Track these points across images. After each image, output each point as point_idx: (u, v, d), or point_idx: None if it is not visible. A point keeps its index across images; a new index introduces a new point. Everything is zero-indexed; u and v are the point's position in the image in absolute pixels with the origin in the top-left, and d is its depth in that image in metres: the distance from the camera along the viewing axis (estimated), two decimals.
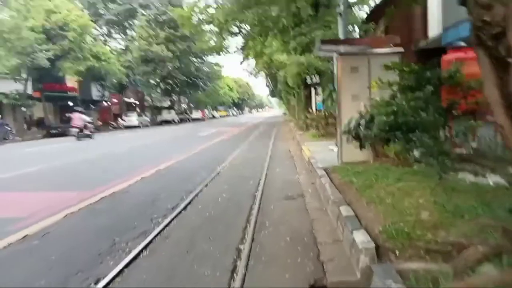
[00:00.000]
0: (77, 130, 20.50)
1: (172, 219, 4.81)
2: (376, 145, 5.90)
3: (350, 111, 6.71)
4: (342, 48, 6.92)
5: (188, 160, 10.43)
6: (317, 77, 15.26)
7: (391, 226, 3.38)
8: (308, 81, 15.50)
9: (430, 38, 11.82)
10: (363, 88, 6.74)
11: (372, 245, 3.00)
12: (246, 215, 4.86)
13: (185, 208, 5.36)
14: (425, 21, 12.59)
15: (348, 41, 8.44)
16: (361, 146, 6.33)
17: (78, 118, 20.85)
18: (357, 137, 5.85)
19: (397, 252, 3.04)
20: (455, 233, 3.07)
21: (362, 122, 5.65)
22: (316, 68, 14.06)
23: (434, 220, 3.31)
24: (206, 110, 67.52)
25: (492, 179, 4.08)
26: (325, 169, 6.62)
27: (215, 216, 4.91)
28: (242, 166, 9.05)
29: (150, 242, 4.03)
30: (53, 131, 26.28)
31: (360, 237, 3.17)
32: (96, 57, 29.12)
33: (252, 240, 3.95)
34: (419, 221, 3.36)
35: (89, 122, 21.63)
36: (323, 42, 7.94)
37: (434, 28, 11.58)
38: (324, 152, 9.28)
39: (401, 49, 6.71)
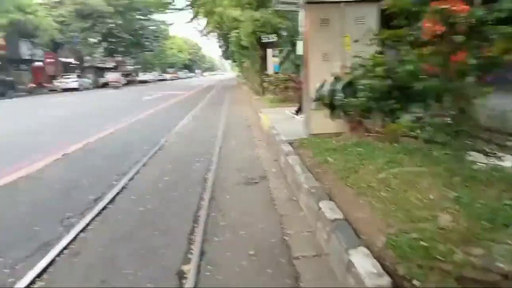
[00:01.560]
0: None
1: (91, 220, 3.50)
2: (353, 115, 4.86)
3: (320, 73, 5.57)
4: None
5: (127, 131, 8.88)
6: (274, 37, 13.90)
7: (399, 236, 2.36)
8: (265, 40, 14.09)
9: None
10: (336, 45, 5.60)
11: (386, 281, 1.95)
12: (194, 211, 3.66)
13: (112, 200, 4.04)
14: None
15: None
16: (334, 116, 5.28)
17: None
18: (331, 105, 4.76)
19: (417, 284, 2.03)
20: (499, 251, 2.11)
21: (338, 87, 4.54)
22: (273, 25, 12.68)
23: (461, 229, 2.32)
24: (155, 72, 63.71)
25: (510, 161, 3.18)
26: (291, 143, 5.54)
27: (151, 214, 3.66)
28: (191, 138, 7.73)
29: (51, 263, 2.74)
30: None
31: (363, 263, 2.11)
32: (21, 9, 25.27)
33: (201, 255, 2.78)
34: (440, 229, 2.36)
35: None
36: None
37: None
38: (285, 120, 8.19)
39: None
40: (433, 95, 2.77)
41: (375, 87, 3.49)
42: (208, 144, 6.96)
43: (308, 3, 5.42)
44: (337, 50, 5.60)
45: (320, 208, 2.97)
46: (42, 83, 34.19)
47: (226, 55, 48.22)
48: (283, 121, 7.99)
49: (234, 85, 35.30)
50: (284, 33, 15.30)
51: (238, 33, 21.39)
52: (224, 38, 37.82)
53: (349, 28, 5.54)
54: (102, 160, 5.91)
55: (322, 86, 4.95)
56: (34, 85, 31.29)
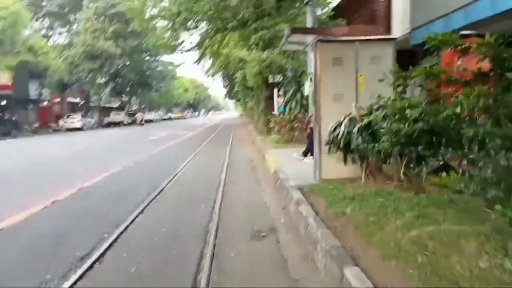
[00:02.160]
0: None
1: (74, 285, 2.99)
2: (371, 160, 4.44)
3: (332, 114, 5.23)
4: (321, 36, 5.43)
5: (126, 173, 8.46)
6: (280, 77, 13.80)
7: None
8: (270, 80, 13.98)
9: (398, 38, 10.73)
10: (349, 86, 5.28)
11: None
12: (193, 273, 3.14)
13: (100, 258, 3.54)
14: (389, 21, 11.48)
15: (324, 30, 7.01)
16: (346, 160, 4.87)
17: None
18: (345, 149, 4.35)
19: None
20: None
21: (355, 129, 4.15)
22: (280, 66, 12.60)
23: None
24: (160, 112, 64.46)
25: None
26: (300, 189, 5.08)
27: (143, 277, 3.15)
28: (193, 181, 7.28)
29: None
30: None
31: None
32: (31, 51, 25.80)
33: None
34: None
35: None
36: (294, 30, 6.49)
37: (398, 29, 10.48)
38: (292, 162, 7.76)
39: (395, 36, 5.33)
40: (476, 141, 2.36)
41: (401, 131, 3.08)
42: (211, 188, 6.50)
43: (320, 41, 5.17)
44: (350, 90, 5.28)
45: (344, 276, 2.47)
46: (48, 122, 34.38)
47: (230, 94, 48.87)
48: (290, 164, 7.55)
49: (237, 124, 35.27)
50: (289, 73, 15.27)
51: (243, 73, 21.55)
52: (229, 78, 38.40)
53: (363, 68, 5.25)
54: (96, 208, 5.42)
55: (335, 128, 4.56)
56: (38, 125, 31.35)
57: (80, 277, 3.11)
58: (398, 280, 2.34)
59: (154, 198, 5.82)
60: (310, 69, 10.87)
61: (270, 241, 3.86)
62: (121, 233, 4.23)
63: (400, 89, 3.89)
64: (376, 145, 3.54)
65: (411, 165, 3.54)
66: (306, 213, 3.90)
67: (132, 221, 4.67)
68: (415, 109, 3.00)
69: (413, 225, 2.90)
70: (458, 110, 2.30)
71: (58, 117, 36.09)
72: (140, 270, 3.25)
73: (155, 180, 7.22)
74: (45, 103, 36.61)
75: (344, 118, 4.44)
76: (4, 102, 29.42)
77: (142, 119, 44.33)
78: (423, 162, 3.25)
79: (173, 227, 4.42)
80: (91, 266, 3.33)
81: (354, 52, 5.24)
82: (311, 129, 7.85)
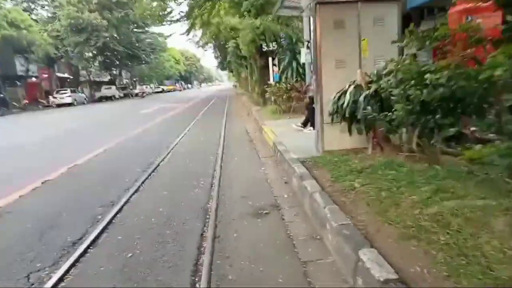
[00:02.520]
0: None
1: (66, 273, 2.77)
2: (379, 130, 4.16)
3: (334, 82, 4.90)
4: None
5: (119, 149, 8.15)
6: (275, 45, 13.27)
7: None
8: (265, 49, 13.45)
9: None
10: (352, 51, 4.92)
11: None
12: (194, 257, 2.92)
13: (94, 242, 3.31)
14: None
15: None
16: (351, 130, 4.59)
17: None
18: (351, 118, 4.06)
19: None
20: None
21: (361, 98, 3.84)
22: (274, 33, 12.07)
23: None
24: (152, 85, 63.27)
25: None
26: (303, 162, 4.83)
27: (140, 262, 2.91)
28: (189, 156, 7.00)
29: None
30: None
31: None
32: (14, 25, 24.67)
33: None
34: None
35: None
36: None
37: None
38: (292, 134, 7.49)
39: None
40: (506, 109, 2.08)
41: (418, 97, 2.79)
42: (209, 163, 6.25)
43: (320, 3, 4.76)
44: (353, 56, 4.92)
45: (360, 259, 2.25)
46: (37, 99, 33.56)
47: (223, 65, 47.89)
48: (289, 135, 7.28)
49: (232, 95, 34.65)
50: (284, 42, 14.72)
51: (236, 42, 20.84)
52: (220, 48, 37.41)
53: (366, 31, 4.87)
54: (89, 188, 5.17)
55: (339, 97, 4.25)
56: (27, 102, 30.58)
57: (73, 265, 2.88)
58: (421, 263, 2.12)
59: (149, 176, 5.57)
60: (306, 35, 10.41)
61: (273, 219, 3.64)
62: (116, 213, 4.00)
63: (412, 51, 3.55)
64: (389, 114, 3.25)
65: (425, 135, 3.28)
66: (311, 188, 3.66)
67: (127, 201, 4.44)
68: (438, 73, 2.69)
69: (432, 201, 2.67)
70: (499, 72, 2.00)
71: (48, 93, 35.23)
72: (136, 255, 3.03)
73: (149, 156, 6.94)
74: (33, 79, 35.63)
75: (349, 86, 4.13)
76: None
77: (143, 92, 48.95)
78: (438, 131, 2.99)
79: (170, 207, 4.17)
80: (83, 253, 3.11)
81: (357, 14, 4.85)
82: (311, 98, 7.53)
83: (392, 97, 3.25)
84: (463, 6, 4.60)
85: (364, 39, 4.84)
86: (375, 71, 4.22)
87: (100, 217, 3.96)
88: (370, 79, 4.16)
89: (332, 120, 4.75)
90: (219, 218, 3.74)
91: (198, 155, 7.00)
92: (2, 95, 27.39)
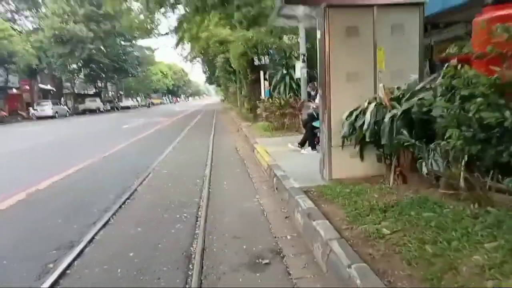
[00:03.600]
0: None
1: None
2: (403, 157, 3.41)
3: (344, 97, 4.17)
4: None
5: (92, 170, 7.19)
6: (267, 58, 12.60)
7: None
8: (256, 62, 12.75)
9: None
10: (366, 62, 4.20)
11: None
12: None
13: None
14: None
15: None
16: (363, 155, 3.84)
17: None
18: (375, 143, 3.30)
19: None
20: None
21: (387, 119, 3.09)
22: (267, 45, 11.40)
23: None
24: (139, 98, 62.09)
25: None
26: (307, 192, 4.04)
27: None
28: (171, 179, 6.12)
29: None
30: None
31: None
32: None
33: None
34: None
35: None
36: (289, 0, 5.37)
37: None
38: (288, 155, 6.69)
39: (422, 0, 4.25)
40: None
41: (485, 121, 2.03)
42: (194, 188, 5.40)
43: (330, 6, 4.03)
44: (367, 68, 4.21)
45: None
46: (17, 110, 32.19)
47: (211, 80, 47.34)
48: (286, 157, 6.49)
49: (219, 110, 33.87)
50: (276, 56, 14.11)
51: (224, 57, 20.22)
52: (209, 63, 36.84)
53: (383, 40, 4.17)
54: (46, 221, 4.24)
55: (356, 117, 3.49)
56: (5, 114, 29.18)
57: None
58: None
59: (123, 205, 4.68)
60: (302, 48, 9.78)
61: (277, 274, 2.79)
62: (72, 260, 3.10)
63: (453, 62, 2.83)
64: (442, 142, 2.49)
65: (479, 168, 2.52)
66: (324, 233, 2.85)
67: (90, 241, 3.55)
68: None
69: (510, 267, 1.88)
70: None
71: (28, 104, 33.87)
72: None
73: (126, 178, 6.06)
74: (14, 90, 34.29)
75: (369, 104, 3.39)
76: None
77: (149, 103, 57.98)
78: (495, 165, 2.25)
79: (143, 251, 3.30)
80: None
81: (372, 20, 4.15)
82: (310, 115, 6.80)
83: (438, 118, 2.50)
84: (495, 13, 3.95)
85: (380, 49, 4.13)
86: (401, 86, 3.48)
87: (52, 266, 3.06)
88: (394, 95, 3.43)
89: (343, 143, 3.97)
90: (205, 270, 2.88)
91: (182, 178, 6.13)
92: None
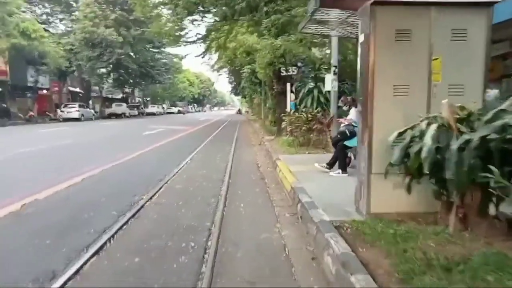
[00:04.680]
0: None
1: None
2: (467, 195, 2.64)
3: (390, 115, 3.44)
4: None
5: (100, 179, 6.66)
6: (294, 69, 11.94)
7: None
8: (283, 73, 12.09)
9: None
10: (418, 73, 3.46)
11: None
12: None
13: None
14: None
15: None
16: (410, 187, 3.09)
17: None
18: (436, 175, 2.56)
19: None
20: None
21: (454, 147, 2.35)
22: (295, 55, 10.76)
23: None
24: (164, 105, 62.75)
25: None
26: (339, 228, 3.32)
27: None
28: (184, 196, 5.49)
29: None
30: None
31: None
32: (26, 35, 24.03)
33: None
34: None
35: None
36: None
37: None
38: (315, 176, 5.95)
39: None
40: None
41: None
42: (207, 210, 4.76)
43: (378, 3, 3.34)
44: (419, 80, 3.46)
45: None
46: (46, 111, 32.84)
47: (236, 90, 47.07)
48: (312, 178, 5.76)
49: (243, 121, 33.40)
50: (303, 68, 13.46)
51: (251, 68, 19.72)
52: (235, 74, 36.57)
53: (440, 47, 3.43)
54: (33, 239, 3.68)
55: (411, 140, 2.75)
56: (33, 114, 29.72)
57: None
58: None
59: (124, 225, 4.07)
60: (334, 60, 9.09)
61: None
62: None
63: None
64: None
65: None
66: None
67: (77, 272, 2.94)
68: None
69: None
70: None
71: (57, 106, 34.54)
72: None
73: (135, 192, 5.51)
74: (44, 91, 35.09)
75: (428, 125, 2.65)
76: None
77: (185, 111, 61.14)
78: None
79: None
80: None
81: (428, 23, 3.42)
82: (341, 133, 6.06)
83: None
84: None
85: (436, 58, 3.39)
86: (464, 105, 2.73)
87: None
88: (462, 116, 2.69)
89: (387, 170, 3.23)
90: None
91: (195, 196, 5.49)
92: (4, 106, 26.56)
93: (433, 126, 2.57)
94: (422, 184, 3.17)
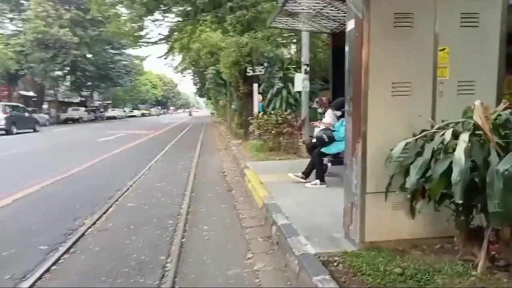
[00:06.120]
0: None
1: None
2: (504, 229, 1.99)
3: (388, 120, 2.77)
4: None
5: (37, 199, 5.56)
6: (261, 69, 11.20)
7: None
8: (249, 73, 11.31)
9: None
10: (421, 67, 2.80)
11: None
12: None
13: None
14: None
15: None
16: (414, 211, 2.42)
17: None
18: (463, 203, 1.88)
19: None
20: None
21: (501, 168, 1.68)
22: (262, 53, 10.05)
23: None
24: (126, 109, 60.23)
25: None
26: (328, 264, 2.61)
27: None
28: (135, 218, 4.58)
29: None
30: None
31: None
32: None
33: None
34: None
35: None
36: None
37: None
38: (290, 189, 5.21)
39: None
40: None
41: None
42: (162, 235, 3.91)
43: None
44: (423, 76, 2.80)
45: None
46: None
47: (201, 92, 45.86)
48: (287, 191, 5.03)
49: (208, 123, 32.37)
50: (269, 68, 12.80)
51: (215, 69, 18.87)
52: (199, 75, 35.42)
53: (448, 35, 2.79)
54: None
55: (434, 154, 2.06)
56: None
57: None
58: None
59: (52, 266, 3.13)
60: (305, 58, 8.46)
61: None
62: None
63: None
64: None
65: None
66: None
67: None
68: None
69: None
70: None
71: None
72: None
73: (76, 215, 4.56)
74: None
75: (455, 134, 1.96)
76: None
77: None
78: None
79: None
80: None
81: (433, 5, 2.77)
82: (319, 139, 5.39)
83: None
84: None
85: (443, 49, 2.75)
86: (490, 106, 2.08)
87: None
88: (494, 117, 2.04)
89: (388, 189, 2.55)
90: None
91: (150, 217, 4.60)
92: None
93: (464, 136, 1.89)
94: (429, 204, 2.51)
